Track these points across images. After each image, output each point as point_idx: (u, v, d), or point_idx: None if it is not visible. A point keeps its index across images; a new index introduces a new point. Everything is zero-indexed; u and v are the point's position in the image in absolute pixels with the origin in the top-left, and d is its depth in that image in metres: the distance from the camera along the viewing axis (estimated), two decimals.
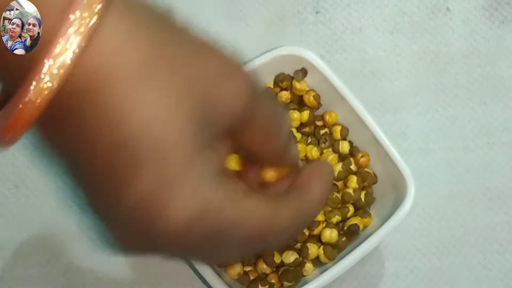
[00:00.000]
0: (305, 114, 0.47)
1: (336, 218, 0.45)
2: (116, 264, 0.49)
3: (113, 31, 0.29)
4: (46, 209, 0.49)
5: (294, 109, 0.47)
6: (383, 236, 0.43)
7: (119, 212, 0.30)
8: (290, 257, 0.44)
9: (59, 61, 0.28)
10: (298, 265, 0.44)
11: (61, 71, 0.28)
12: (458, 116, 0.51)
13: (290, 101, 0.48)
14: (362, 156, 0.46)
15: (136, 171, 0.30)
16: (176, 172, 0.30)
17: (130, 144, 0.29)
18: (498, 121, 0.51)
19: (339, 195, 0.45)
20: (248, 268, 0.45)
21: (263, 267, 0.44)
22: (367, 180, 0.46)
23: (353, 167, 0.46)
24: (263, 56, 0.47)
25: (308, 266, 0.44)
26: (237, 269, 0.44)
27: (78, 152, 0.30)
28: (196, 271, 0.44)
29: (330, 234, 0.45)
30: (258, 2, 0.53)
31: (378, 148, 0.45)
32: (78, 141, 0.30)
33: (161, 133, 0.30)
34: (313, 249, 0.44)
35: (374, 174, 0.46)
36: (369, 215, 0.46)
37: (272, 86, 0.48)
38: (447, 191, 0.50)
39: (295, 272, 0.44)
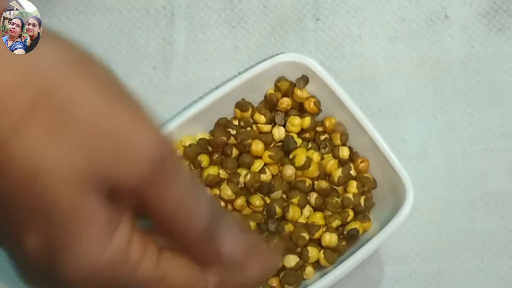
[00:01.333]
0: (307, 120, 0.47)
1: (336, 223, 0.45)
2: None
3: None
4: None
5: (294, 115, 0.48)
6: (382, 240, 0.43)
7: (21, 258, 0.30)
8: (292, 261, 0.44)
9: None
10: (299, 269, 0.45)
11: None
12: (456, 122, 0.51)
13: (291, 108, 0.48)
14: (361, 162, 0.47)
15: (22, 230, 0.29)
16: (69, 230, 0.29)
17: (8, 199, 0.28)
18: (496, 127, 0.51)
19: (339, 200, 0.46)
20: None
21: None
22: (367, 185, 0.46)
23: (353, 172, 0.47)
24: (264, 63, 0.47)
25: (309, 269, 0.45)
26: None
27: None
28: None
29: (330, 238, 0.45)
30: (259, 10, 0.53)
31: (378, 153, 0.46)
32: None
33: (40, 189, 0.28)
34: (313, 253, 0.45)
35: (374, 179, 0.47)
36: (369, 219, 0.46)
37: (273, 92, 0.48)
38: (446, 196, 0.50)
39: (296, 276, 0.44)
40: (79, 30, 0.52)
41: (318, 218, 0.45)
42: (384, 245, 0.49)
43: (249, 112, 0.47)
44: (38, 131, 0.28)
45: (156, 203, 0.30)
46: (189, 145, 0.46)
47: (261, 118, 0.47)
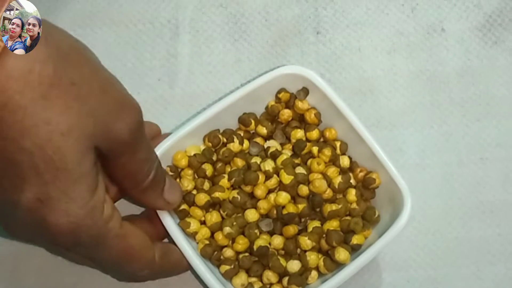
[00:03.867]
0: (315, 133, 0.48)
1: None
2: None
3: (18, 58, 0.30)
4: None
5: (295, 126, 0.48)
6: (381, 248, 0.44)
7: (13, 209, 0.34)
8: (295, 266, 0.44)
9: None
10: (303, 273, 0.45)
11: None
12: (452, 132, 0.52)
13: (292, 119, 0.49)
14: (360, 171, 0.47)
15: (23, 184, 0.33)
16: (66, 184, 0.34)
17: (20, 158, 0.32)
18: (491, 137, 0.52)
19: (340, 208, 0.46)
20: (253, 279, 0.45)
21: (268, 274, 0.45)
22: (365, 194, 0.47)
23: (352, 181, 0.47)
24: (265, 75, 0.48)
25: (314, 273, 0.45)
26: (242, 279, 0.45)
27: None
28: (201, 282, 0.44)
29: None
30: (261, 23, 0.54)
31: (376, 163, 0.46)
32: None
33: (50, 150, 0.32)
34: (313, 256, 0.45)
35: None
36: (369, 227, 0.46)
37: (274, 104, 0.49)
38: (442, 205, 0.50)
39: (300, 279, 0.44)
40: (85, 43, 0.51)
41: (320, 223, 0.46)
42: (383, 252, 0.49)
43: (252, 125, 0.48)
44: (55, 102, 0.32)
45: (126, 161, 0.37)
46: (194, 154, 0.47)
47: (263, 130, 0.48)
